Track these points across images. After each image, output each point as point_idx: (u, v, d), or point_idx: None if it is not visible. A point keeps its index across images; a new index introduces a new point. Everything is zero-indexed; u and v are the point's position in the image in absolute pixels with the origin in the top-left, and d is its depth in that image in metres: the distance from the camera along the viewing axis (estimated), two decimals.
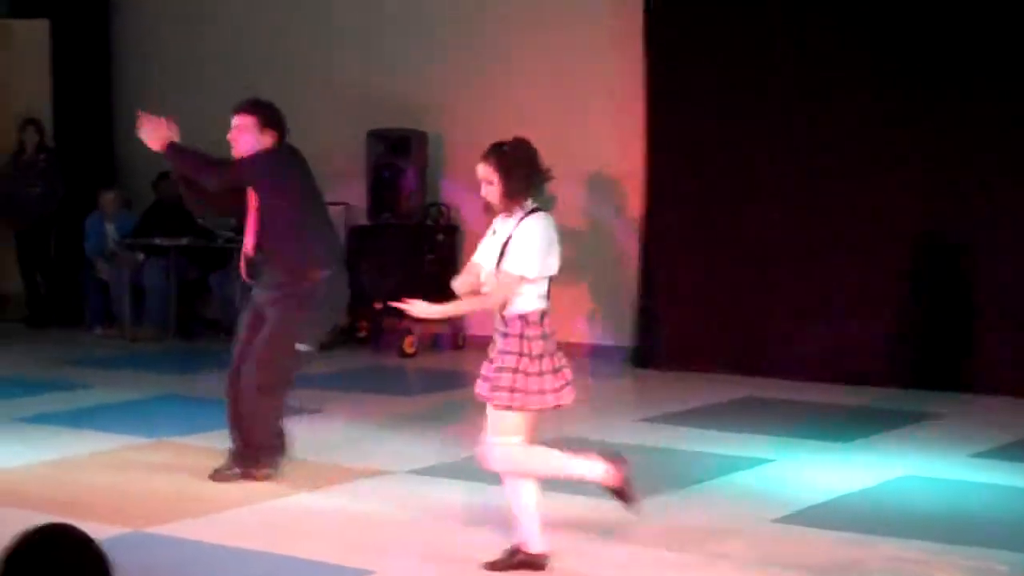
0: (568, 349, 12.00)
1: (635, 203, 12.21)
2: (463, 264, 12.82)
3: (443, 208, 12.97)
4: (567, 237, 12.29)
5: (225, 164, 7.99)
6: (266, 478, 8.00)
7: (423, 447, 8.94)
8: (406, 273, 12.49)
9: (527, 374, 6.23)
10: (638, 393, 11.35)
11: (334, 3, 13.60)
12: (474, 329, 12.96)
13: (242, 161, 7.94)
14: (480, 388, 6.39)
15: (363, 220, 13.14)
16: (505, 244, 6.16)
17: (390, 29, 13.29)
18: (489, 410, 6.33)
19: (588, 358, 12.19)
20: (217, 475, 8.11)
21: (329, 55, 13.55)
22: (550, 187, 6.36)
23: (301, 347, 7.88)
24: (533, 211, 6.28)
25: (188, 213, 13.63)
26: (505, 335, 6.24)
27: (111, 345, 13.28)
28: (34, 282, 14.47)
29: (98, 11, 14.74)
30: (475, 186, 12.83)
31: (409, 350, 12.59)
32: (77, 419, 9.89)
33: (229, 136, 8.00)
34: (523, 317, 6.19)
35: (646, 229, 12.10)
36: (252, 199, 7.96)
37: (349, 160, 12.96)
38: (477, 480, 8.15)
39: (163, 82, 14.59)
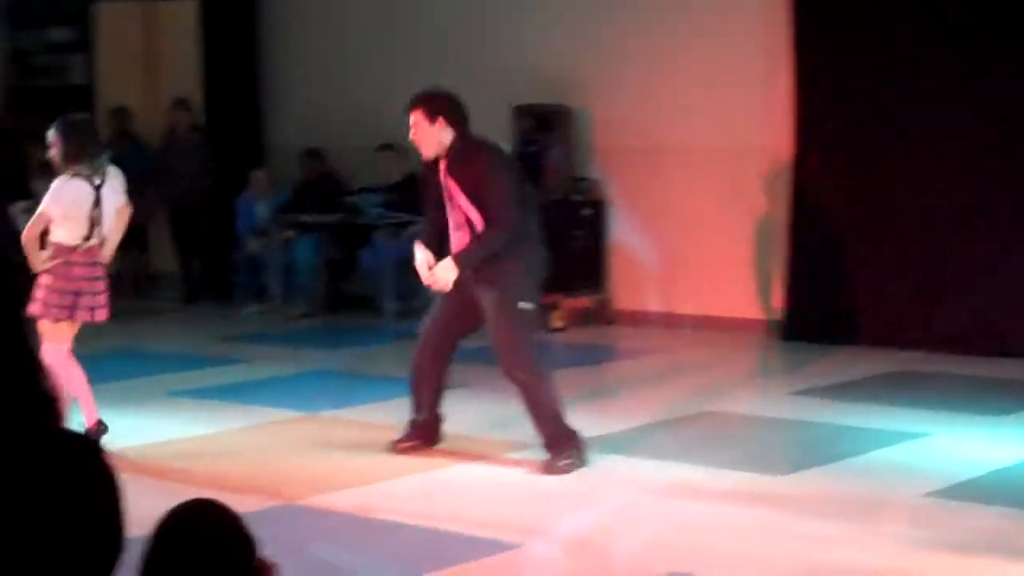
0: (716, 322, 12.16)
1: (783, 179, 12.07)
2: (612, 239, 12.93)
3: (590, 184, 12.93)
4: (715, 212, 12.33)
5: (494, 223, 7.74)
6: (570, 469, 7.78)
7: (575, 423, 8.89)
8: (554, 249, 12.44)
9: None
10: (788, 366, 11.23)
11: None
12: (623, 303, 12.92)
13: (499, 199, 7.75)
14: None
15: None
16: None
17: (534, 4, 13.26)
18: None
19: (736, 331, 12.10)
20: (398, 445, 8.15)
21: (473, 30, 13.55)
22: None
23: (524, 305, 7.78)
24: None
25: (335, 190, 13.80)
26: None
27: (263, 321, 13.43)
28: (188, 261, 14.68)
29: None
30: (622, 161, 12.86)
31: (557, 324, 12.58)
32: (230, 393, 10.02)
33: (411, 136, 7.88)
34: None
35: (793, 203, 11.96)
36: (457, 193, 7.84)
37: (494, 135, 12.90)
38: (626, 453, 8.15)
39: (308, 61, 14.72)
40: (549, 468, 7.73)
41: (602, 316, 12.95)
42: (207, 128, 14.64)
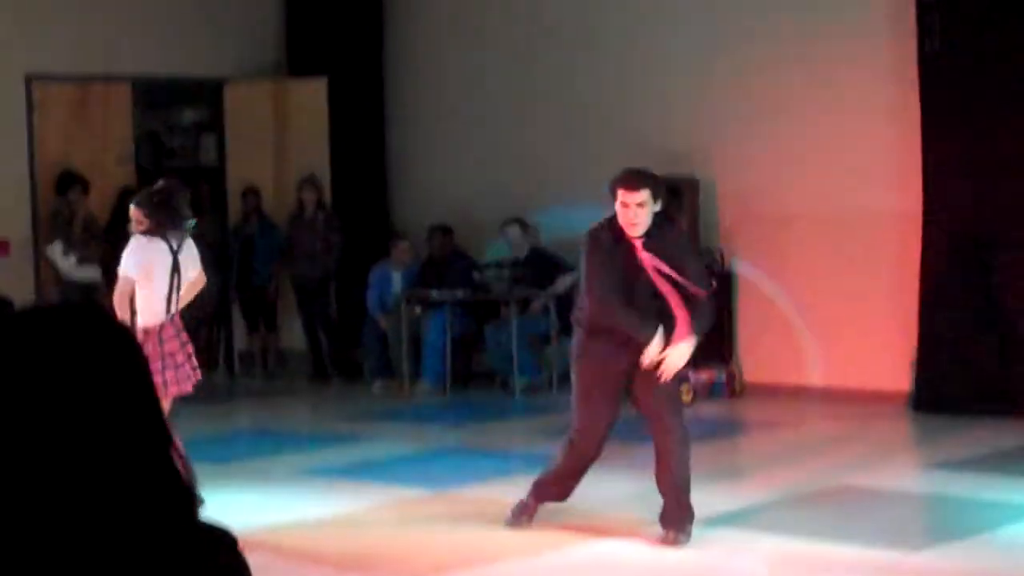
0: (847, 393, 12.00)
1: (913, 244, 11.91)
2: (739, 310, 12.83)
3: (717, 255, 12.87)
4: (843, 279, 12.20)
5: (702, 292, 7.91)
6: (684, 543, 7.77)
7: (705, 498, 8.78)
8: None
9: None
10: (921, 438, 11.04)
11: (602, 51, 13.63)
12: (751, 375, 12.81)
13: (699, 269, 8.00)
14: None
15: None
16: None
17: (660, 77, 13.26)
18: None
19: (867, 402, 11.93)
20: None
21: (599, 105, 13.57)
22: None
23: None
24: None
25: (462, 267, 13.85)
26: None
27: (390, 398, 13.47)
28: (316, 338, 14.77)
29: (373, 69, 15.05)
30: (749, 231, 12.77)
31: (685, 398, 12.45)
32: (358, 472, 10.04)
33: (631, 215, 7.65)
34: None
35: (925, 267, 11.79)
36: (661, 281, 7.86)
37: None
38: (758, 529, 8.05)
39: (435, 137, 14.83)
40: (675, 541, 7.67)
41: (731, 388, 12.84)
42: (334, 204, 14.77)
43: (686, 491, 7.80)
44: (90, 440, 2.06)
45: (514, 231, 13.45)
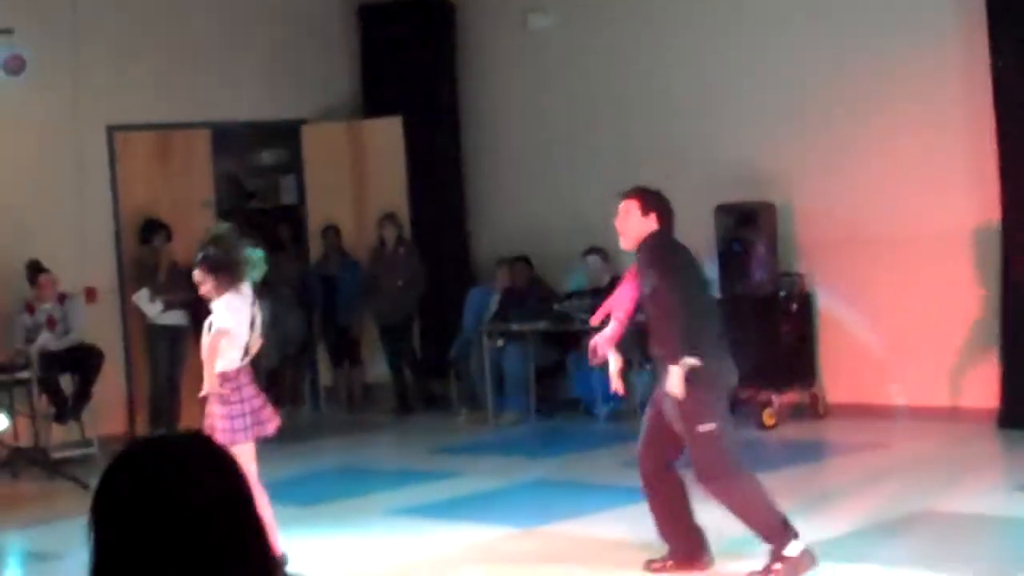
0: (931, 412, 11.96)
1: (992, 260, 11.89)
2: (820, 331, 12.84)
3: (796, 279, 12.88)
4: (924, 298, 12.16)
5: (677, 307, 7.70)
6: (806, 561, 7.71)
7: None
8: (763, 345, 12.45)
9: None
10: (1008, 457, 11.00)
11: (674, 78, 13.70)
12: (834, 396, 12.80)
13: (668, 277, 7.77)
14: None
15: (715, 293, 13.12)
16: None
17: (733, 102, 13.30)
18: None
19: (952, 420, 11.90)
20: (651, 565, 8.04)
21: (672, 132, 13.63)
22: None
23: (706, 428, 7.70)
24: None
25: (543, 296, 13.95)
26: None
27: (475, 430, 13.57)
28: (400, 372, 14.91)
29: (448, 107, 15.18)
30: (827, 253, 12.77)
31: (769, 421, 12.51)
32: (446, 510, 10.10)
33: (616, 222, 7.92)
34: None
35: (1005, 285, 11.77)
36: (633, 283, 7.96)
37: (698, 234, 12.96)
38: (851, 560, 8.05)
39: (511, 170, 14.95)
40: (777, 562, 7.66)
41: (814, 410, 12.83)
42: (414, 240, 14.91)
43: (758, 516, 7.78)
44: (203, 556, 2.27)
45: (594, 260, 13.53)
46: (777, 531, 7.71)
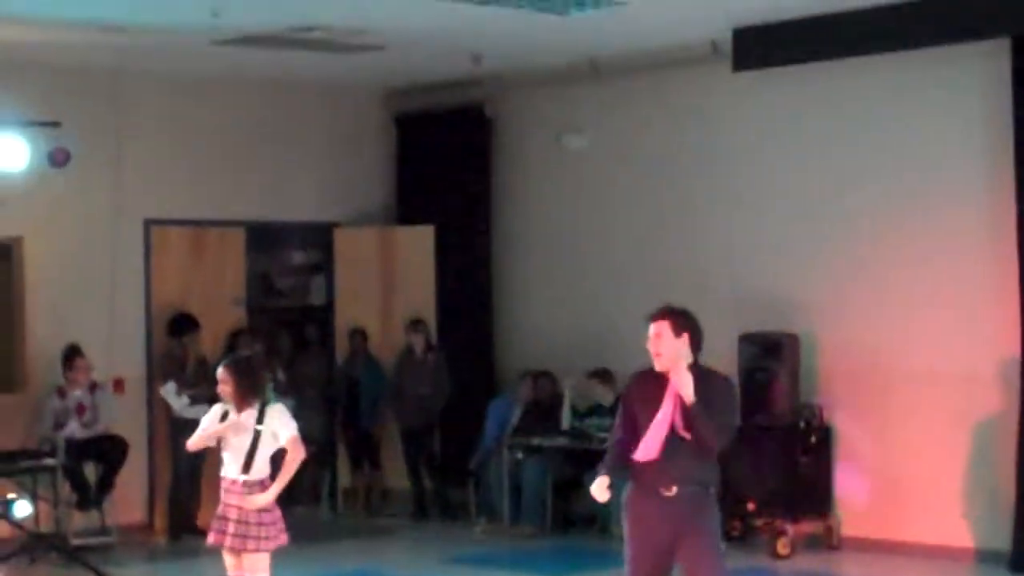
0: (944, 551, 11.98)
1: (1012, 400, 11.96)
2: (837, 463, 12.89)
3: (816, 410, 12.97)
4: (942, 436, 12.21)
5: (725, 428, 7.91)
6: None
7: None
8: (780, 474, 12.54)
9: None
10: None
11: (699, 207, 13.88)
12: (849, 529, 12.84)
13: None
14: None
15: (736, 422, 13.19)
16: None
17: (759, 233, 13.45)
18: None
19: (965, 560, 11.93)
20: None
21: (696, 260, 13.76)
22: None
23: (722, 548, 7.81)
24: None
25: (561, 413, 14.07)
26: None
27: (491, 541, 13.62)
28: (419, 478, 14.99)
29: (481, 218, 15.38)
30: (848, 386, 12.82)
31: (783, 551, 12.56)
32: None
33: (650, 346, 7.84)
34: None
35: (1023, 424, 11.82)
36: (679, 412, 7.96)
37: (722, 363, 13.05)
38: None
39: (538, 286, 15.10)
40: None
41: (828, 542, 12.88)
42: (440, 347, 15.05)
43: None
44: None
45: (598, 381, 13.77)
46: None
